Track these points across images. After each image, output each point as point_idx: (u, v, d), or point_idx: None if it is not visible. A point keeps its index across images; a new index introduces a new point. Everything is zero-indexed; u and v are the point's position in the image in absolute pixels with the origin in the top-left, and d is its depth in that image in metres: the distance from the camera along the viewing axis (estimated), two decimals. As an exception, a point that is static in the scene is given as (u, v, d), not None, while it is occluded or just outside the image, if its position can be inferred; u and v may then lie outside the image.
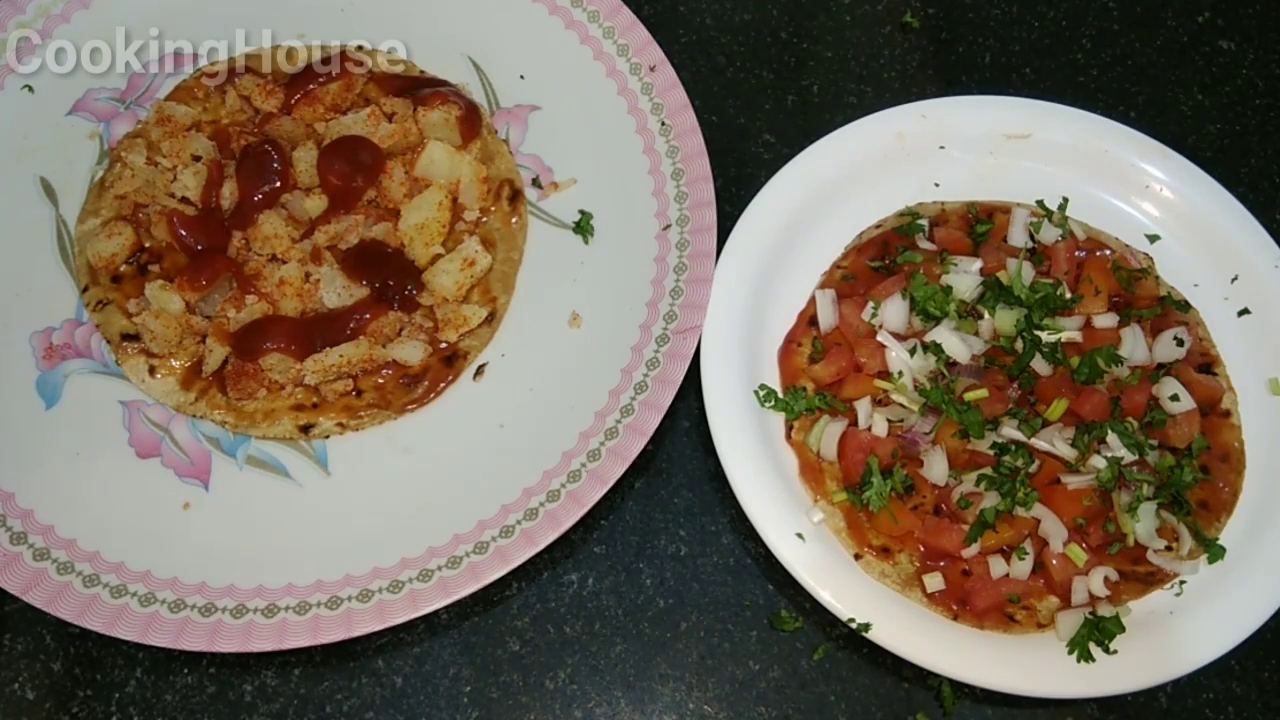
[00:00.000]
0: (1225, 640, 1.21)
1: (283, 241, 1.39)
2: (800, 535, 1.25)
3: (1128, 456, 1.27)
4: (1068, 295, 1.38)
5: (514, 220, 1.46)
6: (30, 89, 1.50)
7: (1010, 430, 1.29)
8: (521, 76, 1.56)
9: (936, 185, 1.51)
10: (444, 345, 1.38)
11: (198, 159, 1.44)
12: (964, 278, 1.37)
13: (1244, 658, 1.29)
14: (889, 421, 1.32)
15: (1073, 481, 1.26)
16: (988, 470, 1.27)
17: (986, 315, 1.36)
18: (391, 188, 1.44)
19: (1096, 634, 1.20)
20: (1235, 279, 1.44)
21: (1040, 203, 1.47)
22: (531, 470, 1.29)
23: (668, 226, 1.42)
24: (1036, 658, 1.20)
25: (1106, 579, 1.24)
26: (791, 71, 1.68)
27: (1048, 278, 1.39)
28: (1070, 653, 1.20)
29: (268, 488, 1.30)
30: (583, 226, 1.45)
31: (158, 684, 1.25)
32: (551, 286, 1.42)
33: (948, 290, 1.36)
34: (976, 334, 1.35)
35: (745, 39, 1.71)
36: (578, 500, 1.25)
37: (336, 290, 1.38)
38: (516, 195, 1.48)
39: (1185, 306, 1.43)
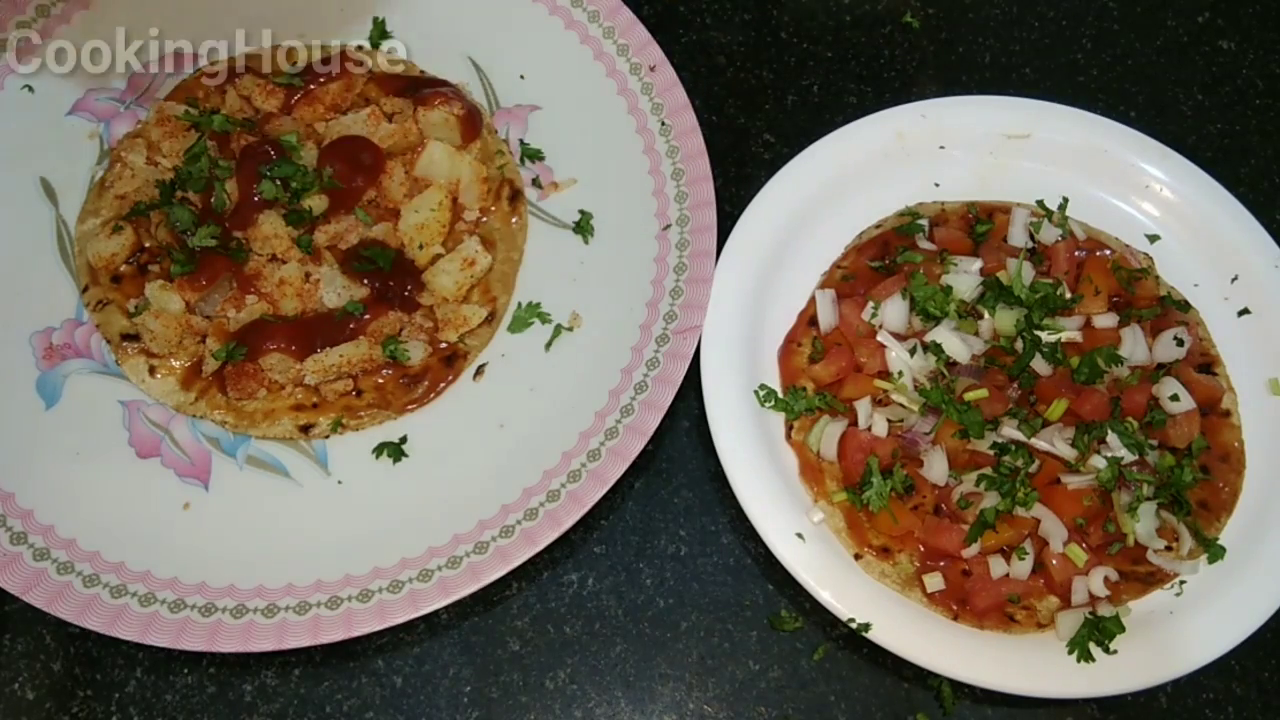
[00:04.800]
0: (1225, 640, 1.21)
1: (283, 241, 1.39)
2: (800, 535, 1.25)
3: (1128, 456, 1.27)
4: (1068, 295, 1.38)
5: (514, 220, 1.46)
6: (30, 89, 1.50)
7: (1010, 430, 1.29)
8: (521, 76, 1.56)
9: (936, 185, 1.51)
10: (444, 345, 1.38)
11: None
12: (964, 278, 1.37)
13: (1244, 658, 1.29)
14: (889, 421, 1.31)
15: (1073, 481, 1.26)
16: (988, 470, 1.27)
17: (986, 315, 1.36)
18: (391, 188, 1.44)
19: (1096, 634, 1.20)
20: (1235, 279, 1.44)
21: (1040, 203, 1.47)
22: (531, 470, 1.29)
23: (668, 226, 1.42)
24: (1036, 658, 1.20)
25: (1106, 579, 1.24)
26: (791, 71, 1.68)
27: (1048, 278, 1.39)
28: (1070, 653, 1.20)
29: (268, 488, 1.30)
30: (583, 226, 1.45)
31: (158, 684, 1.25)
32: (551, 286, 1.42)
33: (948, 290, 1.36)
34: (976, 334, 1.35)
35: (745, 39, 1.71)
36: (578, 500, 1.25)
37: (336, 290, 1.38)
38: (516, 195, 1.48)
39: (1185, 306, 1.43)
